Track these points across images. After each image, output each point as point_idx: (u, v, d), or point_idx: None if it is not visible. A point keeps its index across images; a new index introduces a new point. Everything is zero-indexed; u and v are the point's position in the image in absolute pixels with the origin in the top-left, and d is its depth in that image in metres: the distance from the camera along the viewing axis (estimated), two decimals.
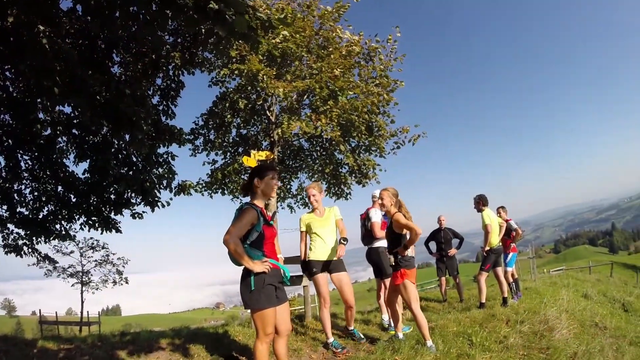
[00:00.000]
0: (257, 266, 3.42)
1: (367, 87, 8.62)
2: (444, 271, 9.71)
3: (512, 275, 9.04)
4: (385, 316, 6.84)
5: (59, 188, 7.93)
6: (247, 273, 3.49)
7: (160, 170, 8.12)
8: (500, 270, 8.01)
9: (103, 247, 30.26)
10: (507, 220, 8.68)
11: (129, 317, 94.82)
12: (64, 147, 7.75)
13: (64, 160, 7.84)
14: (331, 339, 5.50)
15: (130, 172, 7.61)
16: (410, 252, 5.07)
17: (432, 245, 9.87)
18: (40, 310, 30.11)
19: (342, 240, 5.47)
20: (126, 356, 4.84)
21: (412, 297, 5.07)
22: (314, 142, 9.97)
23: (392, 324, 6.39)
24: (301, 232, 5.66)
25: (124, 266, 31.43)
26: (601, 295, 11.83)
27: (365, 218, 6.71)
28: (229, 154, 10.89)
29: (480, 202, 7.96)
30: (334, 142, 8.62)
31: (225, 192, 10.73)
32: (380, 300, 7.01)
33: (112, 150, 7.37)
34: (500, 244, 7.97)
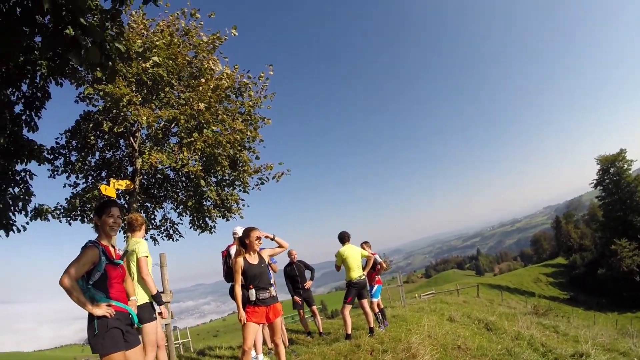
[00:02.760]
0: (97, 310, 3.22)
1: (232, 123, 8.52)
2: (302, 304, 9.70)
3: (378, 305, 9.34)
4: (261, 356, 6.60)
5: None
6: (91, 316, 3.26)
7: (17, 190, 7.40)
8: (365, 302, 8.19)
9: None
10: (372, 254, 8.96)
11: None
12: None
13: None
14: None
15: None
16: None
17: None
18: None
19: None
20: None
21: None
22: (179, 173, 9.56)
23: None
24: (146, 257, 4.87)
25: None
26: (466, 317, 12.40)
27: (227, 255, 6.57)
28: (90, 178, 10.01)
29: (339, 240, 8.32)
30: (196, 175, 8.33)
31: (85, 219, 9.80)
32: None
33: None
34: (362, 276, 8.18)
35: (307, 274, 9.74)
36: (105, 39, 4.52)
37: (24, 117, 7.44)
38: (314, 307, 9.72)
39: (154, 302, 4.89)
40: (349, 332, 7.95)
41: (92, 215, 9.86)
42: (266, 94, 9.68)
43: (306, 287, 9.56)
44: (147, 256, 4.86)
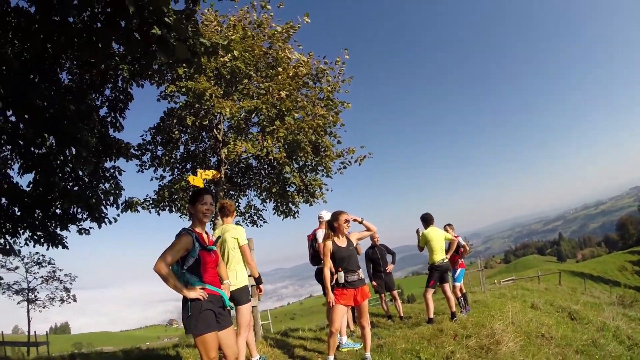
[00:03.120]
0: (190, 293, 3.38)
1: (313, 109, 8.64)
2: (383, 287, 9.69)
3: (461, 289, 9.17)
4: (344, 338, 6.71)
5: (2, 200, 7.39)
6: (185, 299, 3.44)
7: (107, 185, 7.98)
8: (447, 286, 8.09)
9: (49, 263, 28.73)
10: (455, 237, 8.78)
11: (79, 336, 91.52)
12: (8, 157, 7.24)
13: (8, 170, 7.36)
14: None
15: (76, 187, 7.37)
16: None
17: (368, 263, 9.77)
18: None
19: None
20: None
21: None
22: (262, 161, 9.87)
23: (343, 342, 6.36)
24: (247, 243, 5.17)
25: (71, 283, 30.12)
26: (548, 304, 11.99)
27: (313, 239, 6.69)
28: (176, 170, 10.64)
29: (423, 222, 8.21)
30: (280, 162, 8.54)
31: (173, 209, 10.45)
32: None
33: (57, 163, 7.00)
34: (445, 260, 8.06)
35: (388, 257, 9.72)
36: (189, 36, 4.72)
37: (109, 119, 7.94)
38: (395, 292, 9.70)
39: (249, 284, 5.09)
40: (431, 316, 7.89)
41: (179, 205, 10.53)
42: (344, 79, 9.80)
43: (388, 271, 9.57)
44: (247, 242, 5.05)
